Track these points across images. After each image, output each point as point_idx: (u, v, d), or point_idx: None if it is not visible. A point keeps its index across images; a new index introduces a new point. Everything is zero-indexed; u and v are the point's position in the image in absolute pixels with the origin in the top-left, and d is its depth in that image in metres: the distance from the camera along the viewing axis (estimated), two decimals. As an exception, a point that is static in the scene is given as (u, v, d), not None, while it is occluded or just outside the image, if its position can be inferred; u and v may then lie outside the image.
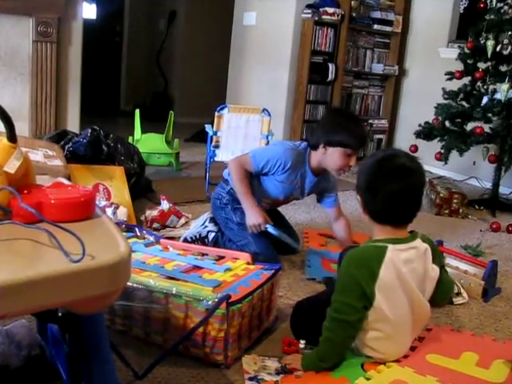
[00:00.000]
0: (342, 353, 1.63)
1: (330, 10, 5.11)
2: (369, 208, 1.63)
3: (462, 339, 1.93)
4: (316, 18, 5.08)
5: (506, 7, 3.67)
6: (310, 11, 5.10)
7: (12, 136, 1.07)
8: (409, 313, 1.63)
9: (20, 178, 1.09)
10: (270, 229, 2.37)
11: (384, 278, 1.54)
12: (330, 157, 2.38)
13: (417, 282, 1.62)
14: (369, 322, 1.59)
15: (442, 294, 1.77)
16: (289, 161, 2.42)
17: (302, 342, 1.73)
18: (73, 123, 4.41)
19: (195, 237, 2.63)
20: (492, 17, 3.76)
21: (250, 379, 1.59)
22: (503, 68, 3.82)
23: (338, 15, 5.13)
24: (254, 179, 2.50)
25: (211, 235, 2.60)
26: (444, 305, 2.16)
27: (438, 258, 1.70)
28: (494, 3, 3.72)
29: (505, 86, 3.61)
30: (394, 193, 1.56)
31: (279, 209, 2.80)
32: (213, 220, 2.66)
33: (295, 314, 1.87)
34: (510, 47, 3.63)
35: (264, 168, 2.44)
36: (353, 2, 5.25)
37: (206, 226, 2.64)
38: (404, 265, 1.57)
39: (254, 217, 2.36)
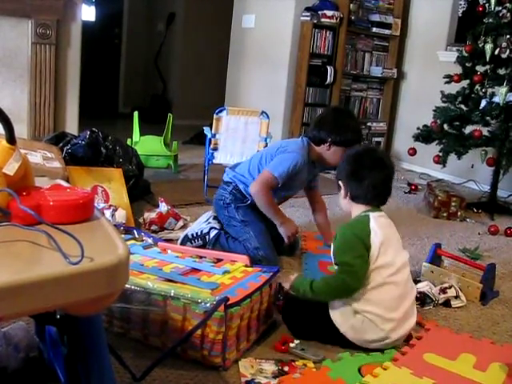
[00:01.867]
0: (333, 299, 1.85)
1: (329, 12, 5.12)
2: (352, 193, 1.92)
3: (460, 340, 1.94)
4: (315, 21, 5.09)
5: (504, 11, 3.67)
6: (308, 14, 5.11)
7: (11, 138, 1.07)
8: (400, 263, 1.85)
9: (19, 180, 1.09)
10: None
11: (373, 236, 1.81)
12: (332, 154, 2.56)
13: (397, 240, 1.91)
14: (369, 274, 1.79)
15: None
16: (302, 164, 2.55)
17: (296, 341, 1.80)
18: (71, 125, 4.41)
19: (196, 234, 2.64)
20: (490, 20, 3.77)
21: (247, 382, 1.60)
22: (501, 71, 3.83)
23: (336, 18, 5.14)
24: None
25: (213, 233, 2.61)
26: None
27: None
28: (493, 7, 3.73)
29: (503, 90, 3.62)
30: (376, 181, 1.88)
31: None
32: (216, 218, 2.70)
33: (287, 305, 1.96)
34: (508, 51, 3.64)
35: (289, 176, 2.53)
36: (351, 5, 5.26)
37: (209, 223, 2.67)
38: (385, 225, 1.89)
39: (292, 227, 2.57)
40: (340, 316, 1.82)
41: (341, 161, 2.04)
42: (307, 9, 5.16)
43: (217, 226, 2.66)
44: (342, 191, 1.96)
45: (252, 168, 2.64)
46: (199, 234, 2.63)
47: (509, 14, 3.64)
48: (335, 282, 1.82)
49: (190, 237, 2.63)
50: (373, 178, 1.88)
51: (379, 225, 1.85)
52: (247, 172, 2.64)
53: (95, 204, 1.12)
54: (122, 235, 2.42)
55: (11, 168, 1.06)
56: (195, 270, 1.92)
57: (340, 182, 1.97)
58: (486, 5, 3.81)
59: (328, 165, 2.64)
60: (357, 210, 1.93)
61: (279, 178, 2.50)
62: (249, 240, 2.50)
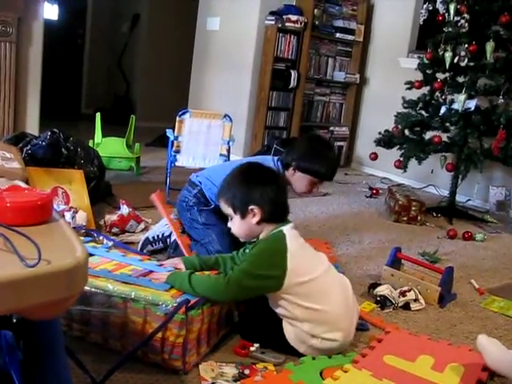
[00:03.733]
0: (206, 295, 1.73)
1: (293, 17, 5.16)
2: (269, 213, 1.82)
3: (418, 342, 1.96)
4: (279, 25, 5.12)
5: (462, 21, 3.76)
6: (273, 18, 5.13)
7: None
8: (318, 267, 1.84)
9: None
10: None
11: (290, 252, 1.76)
12: (297, 180, 2.49)
13: (311, 250, 1.89)
14: (295, 299, 1.76)
15: None
16: None
17: (256, 345, 1.79)
18: (32, 125, 4.34)
19: (158, 236, 2.61)
20: (450, 29, 3.85)
21: (208, 386, 1.59)
22: (460, 79, 3.92)
23: (300, 23, 5.18)
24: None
25: (174, 235, 2.59)
26: None
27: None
28: (452, 16, 3.81)
29: (461, 97, 3.70)
30: (279, 194, 1.85)
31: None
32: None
33: (241, 319, 1.93)
34: (466, 59, 3.73)
35: None
36: (316, 11, 5.31)
37: (163, 235, 2.62)
38: (299, 238, 1.86)
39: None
40: (297, 340, 1.79)
41: (239, 188, 1.87)
42: (272, 13, 5.18)
43: None
44: (257, 215, 1.81)
45: (217, 170, 2.59)
46: (160, 236, 2.61)
47: (467, 24, 3.73)
48: (216, 286, 1.74)
49: (151, 239, 2.61)
50: (275, 191, 1.84)
51: (294, 236, 1.83)
52: (218, 181, 2.59)
53: (55, 206, 1.11)
54: (83, 238, 2.39)
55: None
56: (149, 272, 1.88)
57: (252, 207, 1.81)
58: (446, 14, 3.89)
59: (294, 190, 2.52)
60: (269, 229, 1.85)
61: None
62: (211, 243, 2.47)
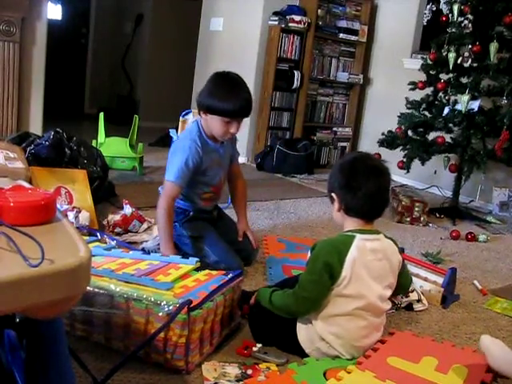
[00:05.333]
0: (290, 316, 1.78)
1: (297, 17, 5.15)
2: (346, 204, 1.76)
3: (422, 344, 1.96)
4: (282, 26, 5.12)
5: (466, 21, 3.75)
6: (276, 18, 5.13)
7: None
8: (368, 297, 1.74)
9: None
10: None
11: (350, 261, 1.69)
12: (211, 123, 2.36)
13: (380, 271, 1.76)
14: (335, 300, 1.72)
15: (403, 281, 1.96)
16: (198, 151, 2.36)
17: (258, 345, 1.79)
18: (35, 125, 4.34)
19: (155, 250, 2.51)
20: (453, 30, 3.85)
21: (211, 386, 1.59)
22: (464, 80, 3.91)
23: (304, 23, 5.18)
24: (191, 188, 2.45)
25: None
26: (402, 292, 2.21)
27: (399, 249, 1.89)
28: (456, 17, 3.80)
29: (465, 98, 3.70)
30: (371, 191, 1.72)
31: (230, 217, 2.76)
32: None
33: (255, 313, 1.92)
34: (470, 60, 3.72)
35: (189, 176, 2.36)
36: (319, 11, 5.31)
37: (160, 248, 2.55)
38: (370, 253, 1.74)
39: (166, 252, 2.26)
40: (306, 339, 1.78)
41: (333, 170, 1.85)
42: (275, 13, 5.18)
43: None
44: (336, 204, 1.79)
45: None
46: (158, 249, 2.50)
47: (470, 25, 3.73)
48: (290, 301, 1.75)
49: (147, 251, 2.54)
50: (369, 187, 1.71)
51: (361, 250, 1.72)
52: None
53: (58, 206, 1.11)
54: (86, 237, 2.39)
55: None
56: (152, 271, 1.88)
57: (333, 194, 1.80)
58: (450, 15, 3.89)
59: (215, 136, 2.40)
60: (350, 224, 1.80)
61: (177, 181, 2.31)
62: (206, 256, 2.36)
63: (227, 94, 2.32)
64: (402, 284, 1.96)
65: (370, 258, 1.74)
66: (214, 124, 2.35)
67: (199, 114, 2.40)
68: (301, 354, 1.80)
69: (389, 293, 1.83)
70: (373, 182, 1.73)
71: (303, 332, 1.79)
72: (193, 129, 2.44)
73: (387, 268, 1.79)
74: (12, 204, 1.01)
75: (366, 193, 1.72)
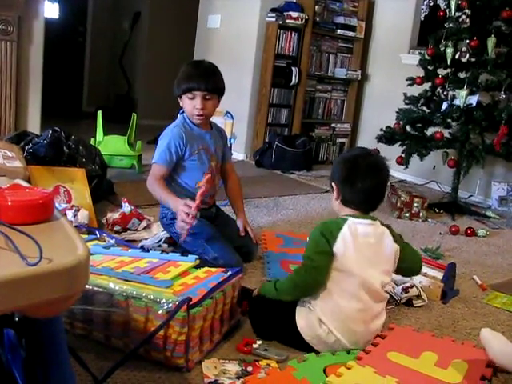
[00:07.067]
0: (297, 296, 1.85)
1: (294, 14, 5.15)
2: (344, 196, 1.87)
3: (422, 339, 1.96)
4: (280, 22, 5.12)
5: (463, 16, 3.74)
6: (274, 15, 5.12)
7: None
8: (361, 277, 1.79)
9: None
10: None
11: (341, 237, 1.78)
12: (184, 106, 2.49)
13: (372, 255, 1.83)
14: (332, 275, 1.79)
15: (409, 265, 1.99)
16: (181, 134, 2.46)
17: (258, 342, 1.80)
18: (33, 124, 4.34)
19: (154, 248, 2.51)
20: (451, 25, 3.84)
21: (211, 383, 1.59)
22: (462, 75, 3.91)
23: (301, 19, 5.18)
24: (176, 178, 2.52)
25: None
26: (415, 275, 2.23)
27: (396, 237, 1.91)
28: (453, 12, 3.80)
29: (463, 93, 3.70)
30: (368, 187, 1.83)
31: (228, 215, 2.77)
32: (168, 240, 2.60)
33: (254, 305, 1.95)
34: (467, 55, 3.72)
35: (172, 157, 2.44)
36: (317, 7, 5.30)
37: (160, 245, 2.57)
38: (361, 236, 1.81)
39: (181, 206, 2.21)
40: (305, 325, 1.81)
41: (337, 161, 1.99)
42: (273, 10, 5.18)
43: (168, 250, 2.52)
44: (335, 193, 1.91)
45: None
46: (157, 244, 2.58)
47: (468, 20, 3.72)
48: (297, 277, 1.82)
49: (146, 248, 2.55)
50: (366, 183, 1.83)
51: (352, 232, 1.80)
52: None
53: (57, 204, 1.10)
54: (85, 236, 2.39)
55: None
56: (151, 269, 1.89)
57: (333, 184, 1.91)
58: (447, 10, 3.89)
59: (192, 119, 2.50)
60: (345, 212, 1.89)
61: (162, 163, 2.42)
62: (205, 253, 2.36)
63: (188, 72, 2.49)
64: (409, 268, 2.01)
65: (362, 240, 1.81)
66: (185, 106, 2.48)
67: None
68: (301, 346, 1.82)
69: (386, 279, 1.87)
70: (371, 178, 1.83)
71: (302, 319, 1.81)
72: (179, 118, 2.57)
73: (380, 253, 1.85)
74: (10, 203, 1.00)
75: (363, 188, 1.83)
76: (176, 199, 2.30)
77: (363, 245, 1.81)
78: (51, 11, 7.30)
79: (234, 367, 1.67)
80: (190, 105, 2.45)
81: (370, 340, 1.85)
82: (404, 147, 4.01)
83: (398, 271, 1.97)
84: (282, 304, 1.85)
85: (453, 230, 3.51)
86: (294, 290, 1.83)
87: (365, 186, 1.83)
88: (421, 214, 3.78)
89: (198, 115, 2.47)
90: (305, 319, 1.81)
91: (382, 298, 1.89)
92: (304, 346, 1.82)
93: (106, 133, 4.41)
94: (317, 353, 1.80)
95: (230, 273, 1.90)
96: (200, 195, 2.18)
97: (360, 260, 1.79)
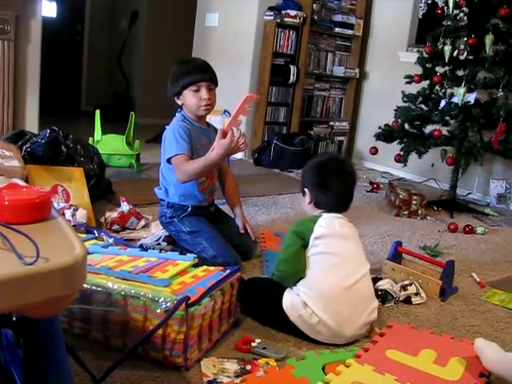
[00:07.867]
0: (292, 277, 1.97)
1: (292, 12, 5.14)
2: (317, 199, 2.03)
3: (421, 337, 1.97)
4: (278, 20, 5.11)
5: (461, 14, 3.74)
6: (272, 13, 5.12)
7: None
8: (345, 255, 1.94)
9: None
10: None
11: (318, 227, 1.93)
12: (186, 103, 2.48)
13: (352, 241, 2.00)
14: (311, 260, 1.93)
15: None
16: (185, 129, 2.45)
17: (257, 340, 1.81)
18: (31, 123, 4.33)
19: (153, 247, 2.52)
20: (449, 23, 3.84)
21: (209, 382, 1.59)
22: (460, 73, 3.91)
23: (299, 18, 5.17)
24: None
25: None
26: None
27: None
28: (451, 10, 3.80)
29: (461, 90, 3.69)
30: (339, 190, 2.01)
31: (228, 215, 2.77)
32: (167, 238, 2.60)
33: (245, 289, 2.00)
34: (465, 53, 3.71)
35: (188, 145, 2.41)
36: (314, 5, 5.30)
37: (159, 244, 2.57)
38: (338, 225, 1.97)
39: (225, 144, 2.32)
40: (290, 305, 1.87)
41: (308, 168, 2.10)
42: (270, 8, 5.17)
43: (167, 248, 2.54)
44: (307, 197, 2.05)
45: (161, 171, 2.58)
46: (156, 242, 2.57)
47: (466, 17, 3.71)
48: (276, 267, 2.02)
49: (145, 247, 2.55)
50: (337, 187, 2.00)
51: (329, 222, 1.95)
52: (162, 178, 2.58)
53: (55, 204, 1.10)
54: (83, 235, 2.39)
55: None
56: (149, 268, 1.88)
57: (306, 189, 2.05)
58: (445, 8, 3.88)
59: (196, 113, 2.50)
60: (316, 212, 2.03)
61: (182, 151, 2.38)
62: (204, 251, 2.38)
63: (185, 68, 2.49)
64: None
65: (338, 228, 1.97)
66: (188, 100, 2.47)
67: (179, 106, 2.52)
68: (288, 328, 1.89)
69: (367, 264, 1.99)
70: (341, 182, 2.01)
71: (288, 299, 1.88)
72: (177, 117, 2.54)
73: (357, 239, 2.04)
74: (7, 202, 1.00)
75: (334, 192, 2.00)
76: (209, 152, 2.34)
77: (341, 232, 1.97)
78: (49, 10, 7.28)
79: (232, 366, 1.67)
80: (195, 97, 2.44)
81: (362, 325, 1.89)
82: (402, 145, 4.01)
83: None
84: (272, 288, 1.98)
85: (451, 227, 3.51)
86: (282, 269, 2.00)
87: (336, 189, 2.00)
88: (419, 212, 3.78)
89: (205, 105, 2.48)
90: (289, 300, 1.88)
91: (368, 281, 1.98)
92: (291, 329, 1.88)
93: (104, 132, 4.40)
94: (316, 350, 1.80)
95: (228, 271, 1.90)
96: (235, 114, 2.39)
97: (342, 243, 1.95)
